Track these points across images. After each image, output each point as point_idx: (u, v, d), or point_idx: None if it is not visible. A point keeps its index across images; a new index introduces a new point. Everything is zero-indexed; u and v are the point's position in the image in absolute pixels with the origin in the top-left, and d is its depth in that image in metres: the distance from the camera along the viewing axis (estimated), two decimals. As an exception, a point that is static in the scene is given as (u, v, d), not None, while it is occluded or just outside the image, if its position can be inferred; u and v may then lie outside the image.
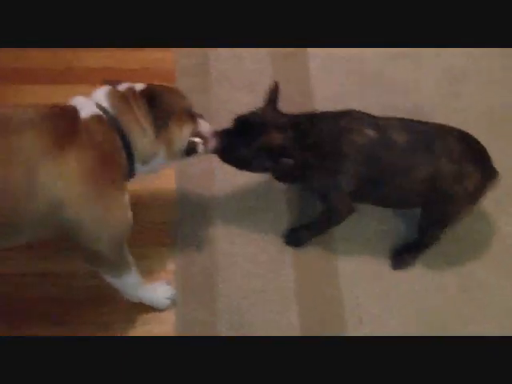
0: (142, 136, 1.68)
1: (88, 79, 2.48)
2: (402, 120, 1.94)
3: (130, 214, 1.68)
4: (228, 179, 2.27)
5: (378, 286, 2.11)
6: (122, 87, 1.71)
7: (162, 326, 1.97)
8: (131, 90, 1.70)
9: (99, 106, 1.64)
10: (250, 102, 2.45)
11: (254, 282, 2.08)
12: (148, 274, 2.01)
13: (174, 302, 1.99)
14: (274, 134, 1.85)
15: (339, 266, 2.13)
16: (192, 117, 1.81)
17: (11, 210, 1.50)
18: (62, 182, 1.51)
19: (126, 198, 1.67)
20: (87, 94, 1.70)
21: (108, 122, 1.63)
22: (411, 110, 2.50)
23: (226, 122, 2.35)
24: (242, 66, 2.62)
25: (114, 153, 1.63)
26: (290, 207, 2.24)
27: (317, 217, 2.10)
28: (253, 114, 1.92)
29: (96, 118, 1.61)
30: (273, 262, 2.12)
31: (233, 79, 2.57)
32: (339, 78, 2.61)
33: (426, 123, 1.96)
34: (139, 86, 1.73)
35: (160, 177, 2.01)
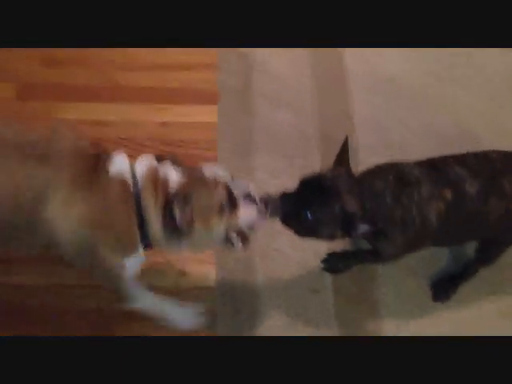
0: (157, 227, 1.64)
1: (132, 98, 2.56)
2: (464, 163, 1.81)
3: (119, 273, 1.70)
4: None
5: (418, 313, 2.09)
6: (164, 169, 1.65)
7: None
8: (166, 180, 1.63)
9: (133, 174, 1.62)
10: (291, 121, 2.52)
11: (295, 302, 2.08)
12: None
13: (200, 320, 1.97)
14: (352, 200, 1.68)
15: (381, 292, 2.12)
16: (224, 211, 1.65)
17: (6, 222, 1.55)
18: (63, 222, 1.54)
19: (119, 260, 1.67)
20: (132, 157, 1.69)
21: (131, 191, 1.61)
22: (454, 128, 2.52)
23: (267, 142, 2.44)
24: (285, 86, 2.64)
25: (124, 219, 1.61)
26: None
27: (361, 250, 2.07)
28: (324, 176, 1.73)
29: (122, 182, 1.60)
30: (314, 284, 2.12)
31: (274, 99, 2.59)
32: (380, 98, 2.62)
33: (485, 157, 1.86)
34: (175, 178, 1.64)
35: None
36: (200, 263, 2.12)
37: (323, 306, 2.08)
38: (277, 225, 2.07)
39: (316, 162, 2.39)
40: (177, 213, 1.58)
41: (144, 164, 1.64)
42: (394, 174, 1.76)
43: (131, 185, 1.60)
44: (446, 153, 1.89)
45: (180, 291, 2.06)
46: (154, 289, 2.00)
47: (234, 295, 2.08)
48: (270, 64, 2.69)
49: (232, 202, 1.65)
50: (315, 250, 2.15)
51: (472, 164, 1.81)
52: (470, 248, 2.07)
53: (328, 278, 2.13)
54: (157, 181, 1.61)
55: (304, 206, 1.69)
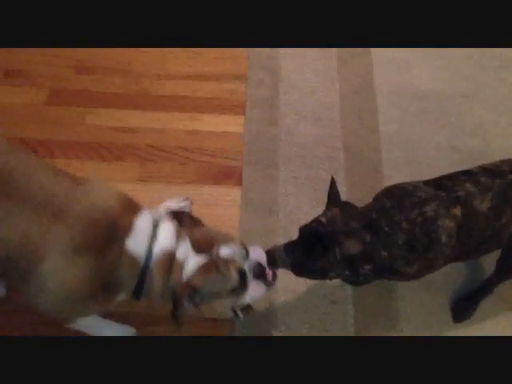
0: (157, 299, 1.67)
1: (161, 106, 2.62)
2: (474, 179, 1.78)
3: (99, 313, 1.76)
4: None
5: (439, 330, 2.08)
6: (181, 251, 1.63)
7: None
8: (181, 265, 1.62)
9: (149, 249, 1.61)
10: (316, 133, 2.55)
11: (313, 313, 2.09)
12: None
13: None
14: (349, 242, 1.68)
15: (400, 306, 2.12)
16: (234, 294, 1.68)
17: None
18: (54, 281, 1.54)
19: (104, 309, 1.72)
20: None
21: (140, 267, 1.61)
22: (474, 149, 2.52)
23: (292, 154, 2.46)
24: (311, 98, 2.67)
25: (119, 286, 1.62)
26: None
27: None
28: (320, 222, 1.73)
29: (133, 257, 1.59)
30: (333, 295, 2.13)
31: (300, 111, 2.62)
32: (406, 113, 2.64)
33: (496, 170, 1.83)
34: (192, 263, 1.63)
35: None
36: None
37: (342, 318, 2.08)
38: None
39: (340, 175, 2.41)
40: (185, 307, 1.61)
41: (163, 244, 1.62)
42: (394, 200, 1.74)
43: (142, 262, 1.60)
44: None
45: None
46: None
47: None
48: (298, 77, 2.74)
49: (243, 284, 1.68)
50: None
51: (483, 180, 1.77)
52: (489, 263, 2.07)
53: (348, 289, 2.14)
54: (170, 266, 1.61)
55: (308, 257, 1.73)
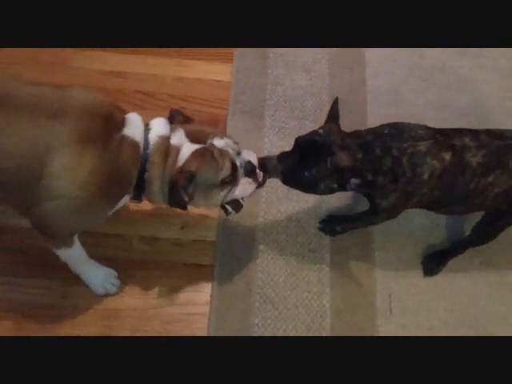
0: (157, 192, 1.72)
1: (152, 51, 2.58)
2: (475, 136, 1.83)
3: (102, 221, 1.79)
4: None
5: (412, 279, 2.14)
6: (176, 138, 1.71)
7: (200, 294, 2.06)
8: (177, 151, 1.69)
9: (145, 138, 1.68)
10: (305, 85, 2.54)
11: (291, 261, 2.13)
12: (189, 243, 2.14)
13: (110, 292, 2.00)
14: (342, 154, 1.75)
15: (376, 256, 2.17)
16: (226, 186, 1.75)
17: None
18: (66, 177, 1.56)
19: (111, 210, 1.75)
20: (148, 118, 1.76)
21: (140, 154, 1.67)
22: (468, 107, 2.52)
23: (280, 104, 2.46)
24: (301, 49, 2.66)
25: (125, 178, 1.67)
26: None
27: (358, 212, 2.12)
28: (316, 134, 1.81)
29: (133, 144, 1.66)
30: (312, 244, 2.18)
31: (290, 62, 2.62)
32: (398, 72, 2.63)
33: (501, 135, 1.85)
34: (187, 150, 1.70)
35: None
36: (202, 217, 2.18)
37: (319, 266, 2.13)
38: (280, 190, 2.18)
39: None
40: (180, 191, 1.67)
41: (157, 131, 1.70)
42: (392, 129, 1.82)
43: (141, 149, 1.67)
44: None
45: (181, 243, 2.13)
46: (155, 240, 2.13)
47: (233, 250, 2.14)
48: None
49: (234, 177, 1.75)
50: (316, 212, 2.22)
51: (483, 138, 1.82)
52: (470, 227, 2.12)
53: (326, 239, 2.18)
54: (167, 152, 1.68)
55: (300, 165, 1.78)
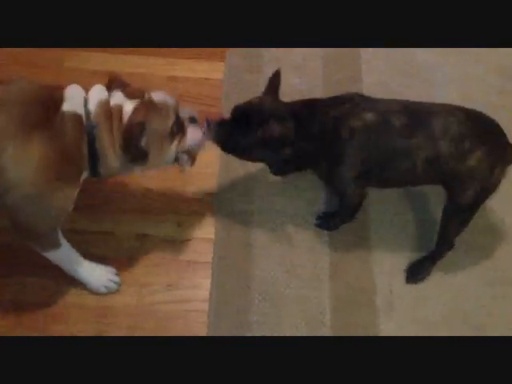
0: (112, 156, 1.71)
1: (142, 51, 2.56)
2: (404, 102, 1.90)
3: (71, 206, 1.73)
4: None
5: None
6: (116, 99, 1.72)
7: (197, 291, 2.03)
8: (119, 110, 1.70)
9: (85, 108, 1.67)
10: (297, 83, 2.53)
11: (291, 257, 2.10)
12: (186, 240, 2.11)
13: (112, 290, 1.97)
14: (274, 124, 1.81)
15: (374, 252, 2.14)
16: (175, 135, 1.80)
17: None
18: (19, 168, 1.57)
19: (74, 192, 1.72)
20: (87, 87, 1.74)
21: (84, 125, 1.66)
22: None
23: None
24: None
25: (76, 153, 1.65)
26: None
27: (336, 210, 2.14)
28: (251, 103, 1.89)
29: (74, 117, 1.64)
30: (310, 241, 2.15)
31: (283, 60, 2.61)
32: (388, 68, 2.63)
33: (431, 104, 1.90)
34: (129, 106, 1.71)
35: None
36: (199, 215, 2.16)
37: (318, 263, 2.11)
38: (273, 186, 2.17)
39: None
40: (136, 141, 1.69)
41: (95, 98, 1.70)
42: (321, 101, 1.93)
43: (84, 119, 1.66)
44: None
45: (177, 241, 2.10)
46: (150, 237, 2.09)
47: (230, 247, 2.11)
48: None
49: (180, 126, 1.81)
50: (311, 209, 2.20)
51: (411, 103, 1.91)
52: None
53: (324, 236, 2.15)
54: (110, 113, 1.69)
55: (236, 133, 1.86)
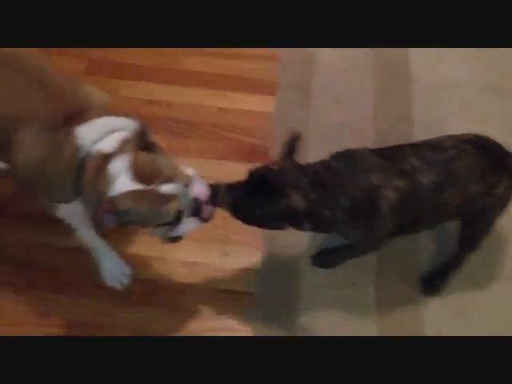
0: (87, 203, 1.67)
1: (194, 82, 2.64)
2: (418, 154, 1.81)
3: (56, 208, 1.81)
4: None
5: (462, 320, 2.06)
6: (117, 165, 1.57)
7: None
8: (113, 179, 1.56)
9: (91, 146, 1.61)
10: (346, 119, 2.54)
11: (335, 294, 2.09)
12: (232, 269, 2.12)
13: (122, 286, 2.05)
14: (296, 196, 1.68)
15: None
16: (168, 223, 1.66)
17: None
18: (21, 151, 1.64)
19: (56, 201, 1.77)
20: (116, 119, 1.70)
21: (79, 158, 1.62)
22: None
23: (320, 138, 2.44)
24: (344, 82, 2.66)
25: (61, 175, 1.64)
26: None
27: (343, 244, 2.07)
28: (269, 170, 1.72)
29: (76, 144, 1.61)
30: (355, 278, 2.13)
31: (333, 95, 2.62)
32: (439, 104, 2.62)
33: (440, 146, 1.85)
34: (124, 183, 1.55)
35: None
36: (246, 245, 2.17)
37: (364, 302, 2.09)
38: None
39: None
40: (104, 222, 1.55)
41: (104, 144, 1.61)
42: (344, 162, 1.77)
43: (83, 153, 1.61)
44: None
45: (222, 270, 2.11)
46: (196, 265, 2.12)
47: (275, 279, 2.11)
48: (333, 61, 2.72)
49: (177, 219, 1.65)
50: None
51: (427, 155, 1.81)
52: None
53: (370, 272, 2.14)
54: (101, 171, 1.57)
55: (252, 200, 1.71)
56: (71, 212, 1.82)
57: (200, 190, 1.69)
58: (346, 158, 1.79)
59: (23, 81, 1.68)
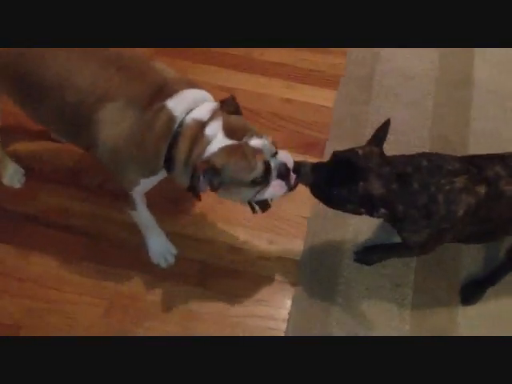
0: (181, 171, 1.74)
1: (263, 71, 2.73)
2: (505, 163, 1.80)
3: (141, 188, 1.89)
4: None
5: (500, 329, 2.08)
6: (211, 128, 1.69)
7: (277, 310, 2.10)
8: (207, 141, 1.68)
9: (185, 116, 1.70)
10: (408, 119, 2.55)
11: (373, 291, 2.14)
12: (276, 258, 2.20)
13: (167, 265, 2.14)
14: (375, 182, 1.71)
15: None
16: (255, 186, 1.73)
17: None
18: (108, 126, 1.71)
19: (140, 178, 1.83)
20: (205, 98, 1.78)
21: (172, 129, 1.70)
22: None
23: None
24: (407, 84, 2.67)
25: (154, 146, 1.72)
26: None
27: (393, 243, 2.11)
28: (355, 153, 1.75)
29: (170, 116, 1.69)
30: (395, 278, 2.17)
31: (394, 95, 2.64)
32: (502, 111, 2.60)
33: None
34: (217, 143, 1.68)
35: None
36: (291, 236, 2.24)
37: (401, 301, 2.12)
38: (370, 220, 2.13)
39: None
40: (200, 182, 1.67)
41: (197, 114, 1.71)
42: (430, 162, 1.77)
43: (176, 125, 1.70)
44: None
45: (267, 258, 2.19)
46: (243, 251, 2.20)
47: (316, 272, 2.16)
48: (398, 60, 2.75)
49: (265, 177, 1.73)
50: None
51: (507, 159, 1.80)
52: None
53: (411, 273, 2.17)
54: (196, 137, 1.69)
55: (331, 180, 1.75)
56: (144, 187, 1.92)
57: (286, 157, 1.78)
58: (434, 158, 1.80)
59: (100, 63, 1.75)
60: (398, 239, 1.96)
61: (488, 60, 2.75)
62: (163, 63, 1.86)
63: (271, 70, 2.72)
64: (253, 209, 1.86)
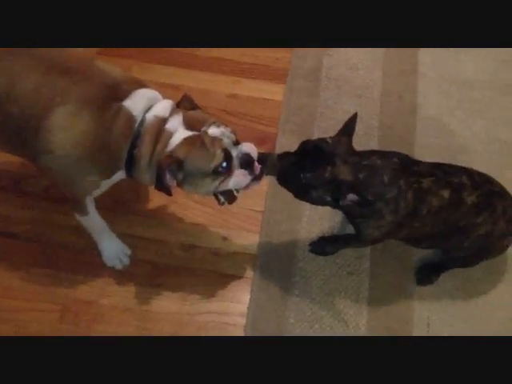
0: (145, 170, 1.73)
1: (207, 67, 2.68)
2: (470, 175, 1.88)
3: (95, 191, 1.83)
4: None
5: (451, 309, 2.12)
6: (172, 124, 1.70)
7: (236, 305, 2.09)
8: (169, 136, 1.69)
9: (144, 114, 1.69)
10: (355, 109, 2.54)
11: (329, 281, 2.14)
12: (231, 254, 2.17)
13: (123, 266, 2.10)
14: (343, 167, 1.71)
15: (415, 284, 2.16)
16: (218, 176, 1.73)
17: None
18: (58, 135, 1.64)
19: (100, 181, 1.78)
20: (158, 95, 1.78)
21: (133, 129, 1.68)
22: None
23: (328, 128, 2.47)
24: (353, 75, 2.69)
25: (115, 148, 1.69)
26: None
27: (346, 234, 2.16)
28: (323, 141, 1.75)
29: (129, 116, 1.67)
30: (350, 266, 2.18)
31: (342, 86, 2.65)
32: (447, 101, 2.63)
33: (488, 179, 1.93)
34: (179, 136, 1.69)
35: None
36: (244, 231, 2.23)
37: (357, 289, 2.14)
38: (323, 210, 2.16)
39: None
40: (167, 178, 1.67)
41: (156, 111, 1.70)
42: (401, 160, 1.81)
43: (136, 124, 1.68)
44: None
45: (221, 254, 2.16)
46: (195, 248, 2.16)
47: (272, 265, 2.15)
48: (344, 52, 2.75)
49: (228, 166, 1.72)
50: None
51: (477, 179, 1.88)
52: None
53: (366, 261, 2.18)
54: (158, 133, 1.68)
55: (299, 168, 1.74)
56: (101, 190, 1.86)
57: (249, 148, 1.77)
58: (405, 158, 1.85)
59: (41, 69, 1.68)
60: (351, 230, 1.98)
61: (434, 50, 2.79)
62: (106, 62, 1.81)
63: (215, 66, 2.68)
64: (218, 200, 1.84)
